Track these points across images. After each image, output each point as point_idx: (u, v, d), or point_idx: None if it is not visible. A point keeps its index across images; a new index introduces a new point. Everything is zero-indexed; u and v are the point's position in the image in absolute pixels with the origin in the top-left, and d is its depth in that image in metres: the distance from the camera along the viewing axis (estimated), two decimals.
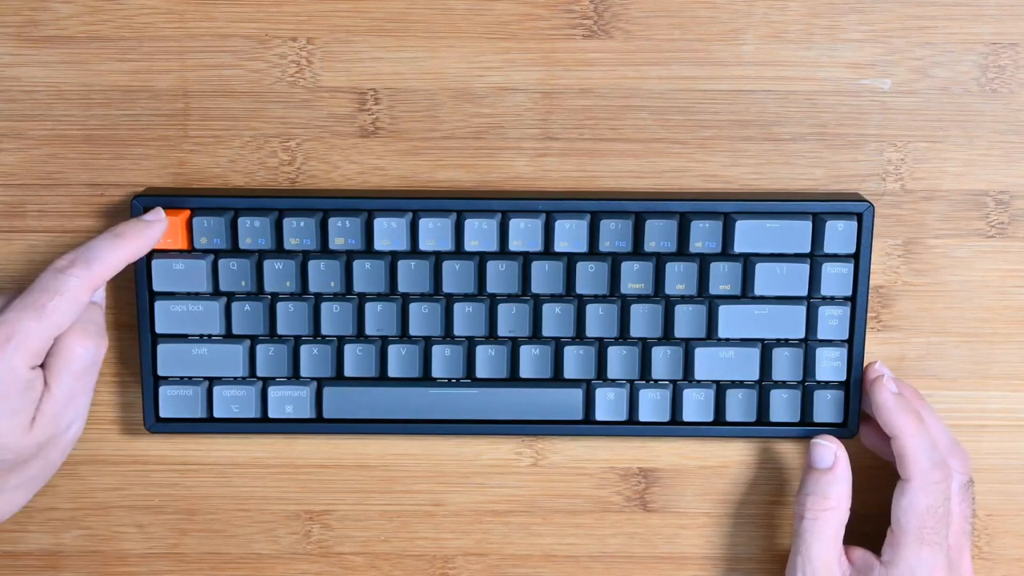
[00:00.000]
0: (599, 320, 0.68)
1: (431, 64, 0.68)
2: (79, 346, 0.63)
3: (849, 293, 0.67)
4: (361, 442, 0.72)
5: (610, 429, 0.69)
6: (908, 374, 0.71)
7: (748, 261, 0.67)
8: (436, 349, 0.68)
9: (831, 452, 0.67)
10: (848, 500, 0.67)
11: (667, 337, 0.68)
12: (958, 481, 0.67)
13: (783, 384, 0.69)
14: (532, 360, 0.68)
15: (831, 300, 0.68)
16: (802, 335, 0.68)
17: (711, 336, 0.68)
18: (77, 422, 0.65)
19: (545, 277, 0.67)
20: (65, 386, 0.63)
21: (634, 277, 0.67)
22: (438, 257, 0.67)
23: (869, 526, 0.69)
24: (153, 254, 0.67)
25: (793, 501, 0.69)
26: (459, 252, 0.67)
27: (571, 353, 0.68)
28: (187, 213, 0.67)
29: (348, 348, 0.68)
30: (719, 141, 0.69)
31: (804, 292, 0.67)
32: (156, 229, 0.65)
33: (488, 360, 0.68)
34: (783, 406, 0.68)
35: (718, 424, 0.69)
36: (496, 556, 0.74)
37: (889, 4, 0.67)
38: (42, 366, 0.63)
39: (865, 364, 0.68)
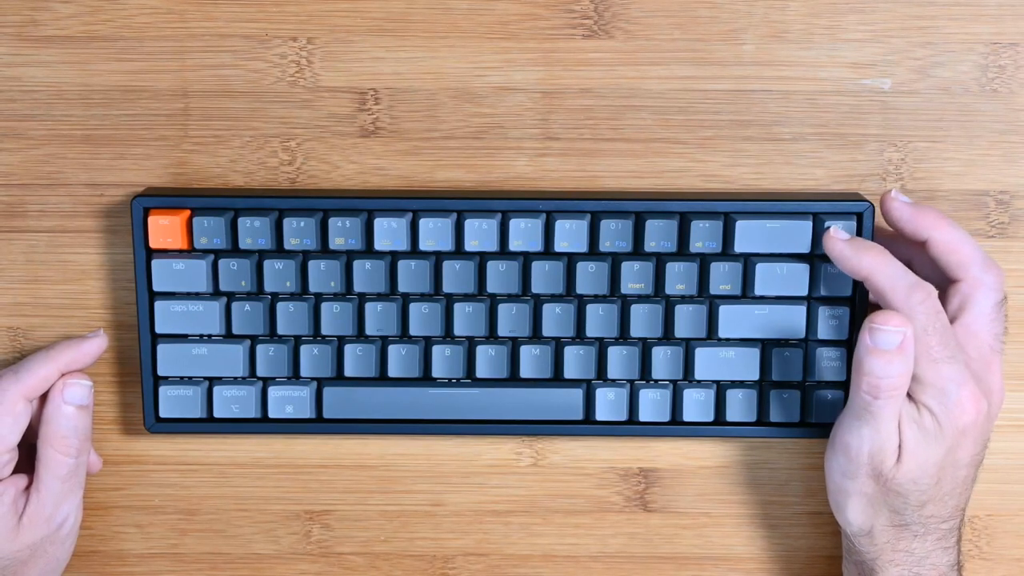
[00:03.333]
0: (599, 320, 0.68)
1: (431, 64, 0.68)
2: (60, 454, 0.66)
3: (849, 293, 0.67)
4: (361, 442, 0.72)
5: (610, 429, 0.69)
6: None
7: (748, 261, 0.67)
8: (436, 349, 0.68)
9: (899, 334, 0.62)
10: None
11: (667, 337, 0.68)
12: (992, 299, 0.65)
13: (783, 384, 0.69)
14: (532, 360, 0.68)
15: (831, 300, 0.68)
16: (802, 335, 0.68)
17: (711, 336, 0.68)
18: (71, 517, 0.68)
19: (545, 277, 0.67)
20: (53, 489, 0.66)
21: (634, 277, 0.67)
22: (438, 257, 0.67)
23: None
24: (153, 254, 0.67)
25: (851, 380, 0.64)
26: (459, 252, 0.67)
27: (571, 353, 0.68)
28: (187, 213, 0.67)
29: (348, 348, 0.68)
30: (719, 141, 0.69)
31: (804, 292, 0.67)
32: (92, 346, 0.68)
33: (488, 360, 0.68)
34: (783, 406, 0.68)
35: (718, 424, 0.69)
36: (496, 556, 0.74)
37: (889, 4, 0.67)
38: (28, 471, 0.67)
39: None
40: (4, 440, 0.65)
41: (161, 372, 0.68)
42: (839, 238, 0.64)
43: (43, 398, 0.66)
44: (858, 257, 0.63)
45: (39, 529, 0.66)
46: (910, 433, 0.63)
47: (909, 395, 0.63)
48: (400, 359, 0.68)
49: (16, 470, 0.67)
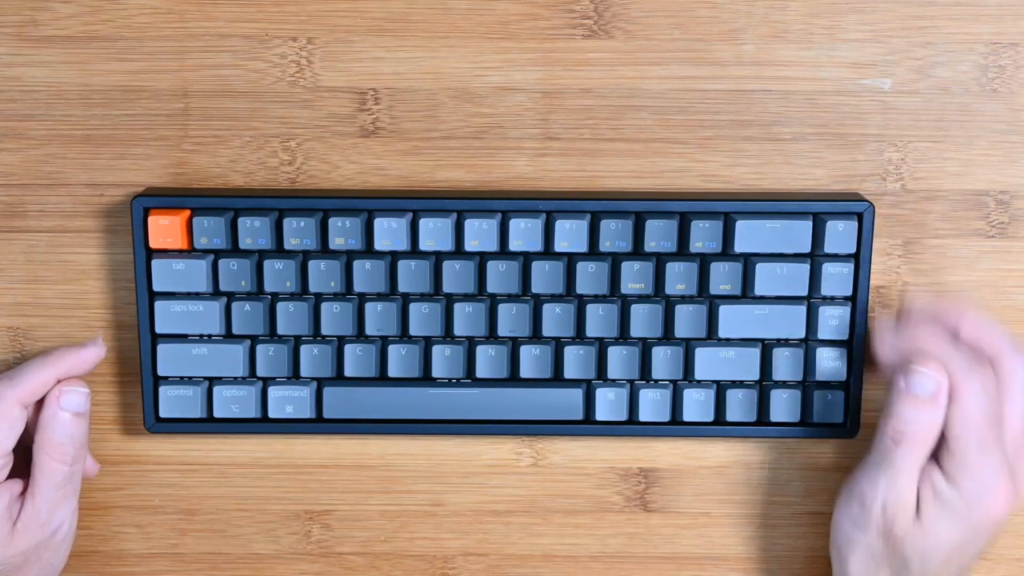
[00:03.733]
0: (599, 320, 0.68)
1: (431, 64, 0.68)
2: (56, 461, 0.66)
3: (849, 293, 0.67)
4: (361, 442, 0.72)
5: (610, 429, 0.69)
6: None
7: (748, 261, 0.67)
8: (436, 349, 0.68)
9: (934, 382, 0.62)
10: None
11: (667, 337, 0.68)
12: (1022, 380, 0.64)
13: (783, 384, 0.69)
14: (532, 360, 0.68)
15: (831, 300, 0.68)
16: (802, 335, 0.68)
17: (711, 336, 0.68)
18: (65, 523, 0.67)
19: (545, 277, 0.67)
20: (48, 496, 0.66)
21: (634, 277, 0.67)
22: (438, 257, 0.67)
23: None
24: (153, 254, 0.67)
25: (875, 430, 0.64)
26: (459, 252, 0.67)
27: (571, 353, 0.68)
28: (187, 213, 0.67)
29: (348, 348, 0.68)
30: (719, 141, 0.69)
31: (804, 292, 0.67)
32: (90, 354, 0.68)
33: (488, 360, 0.68)
34: (783, 406, 0.68)
35: (718, 424, 0.69)
36: (496, 556, 0.74)
37: (889, 4, 0.67)
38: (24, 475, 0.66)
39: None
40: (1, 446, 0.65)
41: (161, 372, 0.68)
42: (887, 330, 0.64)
43: (39, 404, 0.66)
44: (913, 335, 0.63)
45: (33, 535, 0.66)
46: (929, 499, 0.63)
47: (941, 466, 0.63)
48: (400, 359, 0.68)
49: (12, 474, 0.66)
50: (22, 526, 0.65)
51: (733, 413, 0.69)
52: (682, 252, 0.67)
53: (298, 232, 0.67)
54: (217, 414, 0.69)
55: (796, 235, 0.66)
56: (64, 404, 0.66)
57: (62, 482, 0.66)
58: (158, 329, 0.68)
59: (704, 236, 0.66)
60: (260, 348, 0.68)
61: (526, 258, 0.67)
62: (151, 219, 0.66)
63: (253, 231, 0.66)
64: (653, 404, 0.69)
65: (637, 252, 0.67)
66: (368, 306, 0.68)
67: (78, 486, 0.68)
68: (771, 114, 0.68)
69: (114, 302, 0.70)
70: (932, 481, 0.63)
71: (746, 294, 0.67)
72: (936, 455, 0.63)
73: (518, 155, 0.69)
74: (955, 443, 0.62)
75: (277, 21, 0.67)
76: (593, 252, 0.67)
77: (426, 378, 0.69)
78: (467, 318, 0.68)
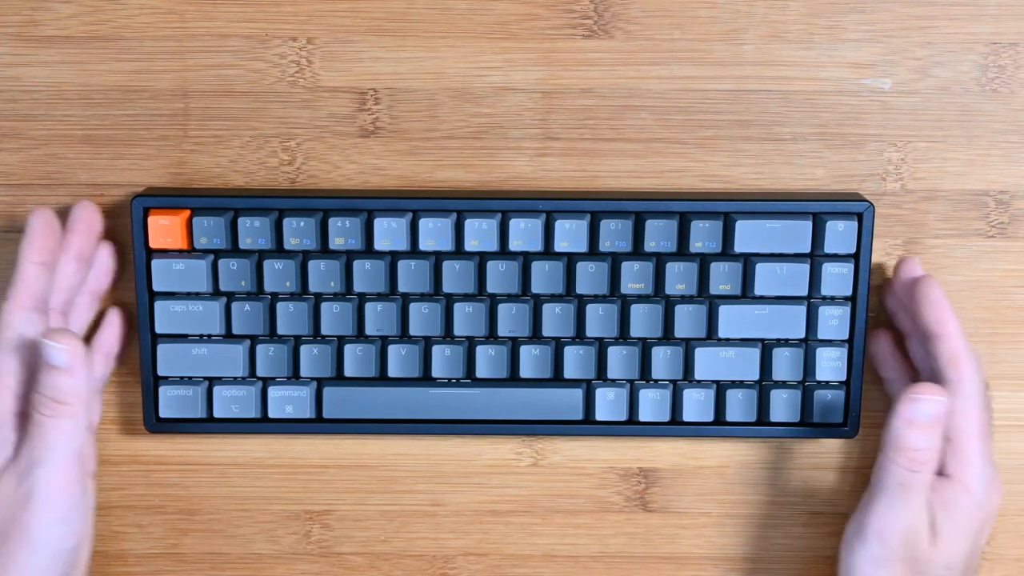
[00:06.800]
0: (599, 320, 0.68)
1: (431, 64, 0.68)
2: (36, 411, 0.63)
3: (849, 293, 0.67)
4: (361, 442, 0.72)
5: (610, 429, 0.69)
6: None
7: (748, 261, 0.67)
8: (436, 349, 0.68)
9: (940, 406, 0.62)
10: None
11: (667, 337, 0.68)
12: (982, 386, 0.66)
13: (783, 384, 0.69)
14: (532, 360, 0.68)
15: (831, 300, 0.68)
16: (802, 335, 0.68)
17: (711, 336, 0.68)
18: (40, 486, 0.63)
19: (545, 277, 0.67)
20: (26, 441, 0.63)
21: (634, 277, 0.67)
22: (438, 257, 0.67)
23: None
24: (153, 254, 0.67)
25: (878, 450, 0.65)
26: (459, 252, 0.67)
27: (571, 353, 0.68)
28: (187, 213, 0.67)
29: (348, 348, 0.68)
30: (719, 141, 0.69)
31: (804, 292, 0.67)
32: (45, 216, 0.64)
33: (488, 360, 0.68)
34: (783, 406, 0.68)
35: (718, 424, 0.69)
36: (496, 556, 0.74)
37: (889, 4, 0.67)
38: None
39: (898, 261, 0.68)
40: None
41: (161, 372, 0.68)
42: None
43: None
44: (949, 312, 0.64)
45: (7, 484, 0.63)
46: (942, 515, 0.64)
47: (942, 473, 0.64)
48: (400, 359, 0.68)
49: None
50: (3, 471, 0.63)
51: (733, 413, 0.69)
52: (682, 252, 0.67)
53: (298, 232, 0.67)
54: (217, 414, 0.69)
55: (796, 235, 0.66)
56: (44, 356, 0.62)
57: (37, 433, 0.62)
58: (158, 329, 0.68)
59: (704, 236, 0.66)
60: (260, 348, 0.68)
61: (526, 258, 0.67)
62: (151, 219, 0.66)
63: (253, 231, 0.66)
64: (653, 404, 0.69)
65: (637, 252, 0.67)
66: (368, 306, 0.68)
67: (61, 455, 0.63)
68: (771, 114, 0.68)
69: (114, 302, 0.70)
70: (938, 491, 0.64)
71: (746, 294, 0.67)
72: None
73: (518, 155, 0.69)
74: (956, 435, 0.64)
75: (277, 21, 0.67)
76: (593, 252, 0.67)
77: (426, 378, 0.69)
78: (467, 318, 0.68)
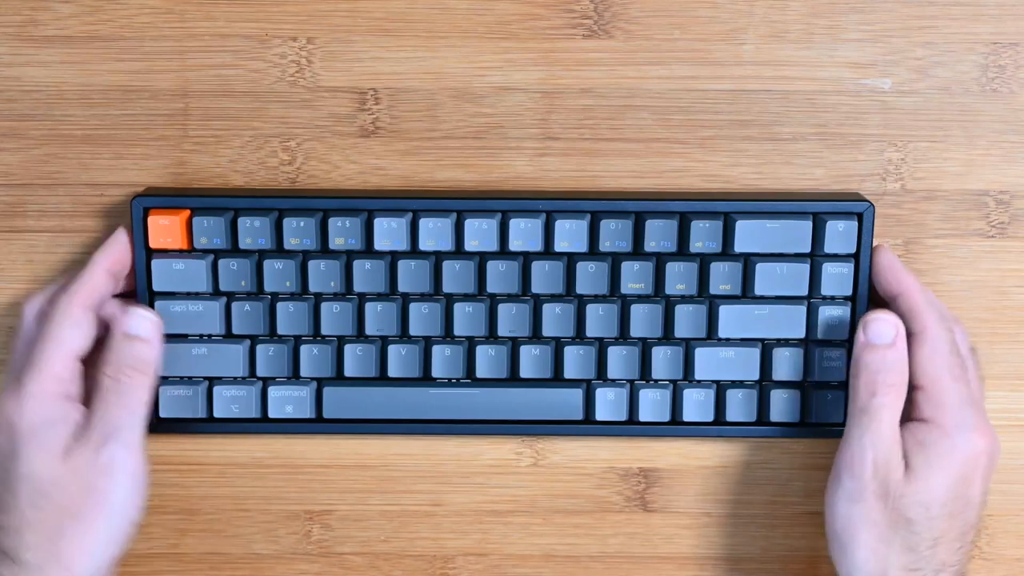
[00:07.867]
0: (599, 320, 0.68)
1: (431, 64, 0.68)
2: (108, 378, 0.63)
3: (849, 293, 0.67)
4: (361, 442, 0.72)
5: (610, 429, 0.69)
6: None
7: (748, 261, 0.67)
8: (436, 349, 0.68)
9: (891, 326, 0.64)
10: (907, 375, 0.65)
11: (667, 337, 0.68)
12: (966, 344, 0.67)
13: (783, 384, 0.69)
14: (532, 360, 0.68)
15: (831, 300, 0.68)
16: (802, 335, 0.68)
17: (711, 336, 0.68)
18: (119, 457, 0.63)
19: (545, 277, 0.67)
20: (101, 415, 0.63)
21: (634, 277, 0.67)
22: (438, 257, 0.67)
23: None
24: (153, 254, 0.67)
25: (850, 388, 0.65)
26: (459, 252, 0.67)
27: (571, 353, 0.68)
28: (187, 213, 0.67)
29: (348, 348, 0.68)
30: (719, 141, 0.69)
31: (804, 292, 0.67)
32: (121, 235, 0.67)
33: (488, 360, 0.68)
34: (783, 406, 0.68)
35: (718, 424, 0.69)
36: (496, 556, 0.74)
37: (889, 4, 0.67)
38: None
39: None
40: (70, 350, 0.64)
41: (161, 372, 0.68)
42: (893, 253, 0.67)
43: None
44: (904, 273, 0.66)
45: (84, 458, 0.62)
46: (915, 450, 0.63)
47: (917, 417, 0.64)
48: (400, 359, 0.68)
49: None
50: (75, 442, 0.63)
51: (733, 413, 0.69)
52: (682, 252, 0.67)
53: (298, 232, 0.67)
54: (217, 414, 0.69)
55: (796, 235, 0.66)
56: (125, 327, 0.64)
57: (116, 401, 0.63)
58: None
59: (704, 236, 0.67)
60: (260, 348, 0.68)
61: (526, 258, 0.67)
62: (151, 219, 0.66)
63: (253, 231, 0.66)
64: (653, 404, 0.69)
65: (637, 252, 0.67)
66: (368, 306, 0.68)
67: (137, 422, 0.64)
68: (771, 114, 0.68)
69: None
70: (913, 432, 0.64)
71: (746, 294, 0.67)
72: (911, 414, 0.64)
73: (518, 155, 0.69)
74: (927, 380, 0.64)
75: (277, 21, 0.67)
76: (593, 252, 0.67)
77: (426, 378, 0.69)
78: (467, 318, 0.68)
